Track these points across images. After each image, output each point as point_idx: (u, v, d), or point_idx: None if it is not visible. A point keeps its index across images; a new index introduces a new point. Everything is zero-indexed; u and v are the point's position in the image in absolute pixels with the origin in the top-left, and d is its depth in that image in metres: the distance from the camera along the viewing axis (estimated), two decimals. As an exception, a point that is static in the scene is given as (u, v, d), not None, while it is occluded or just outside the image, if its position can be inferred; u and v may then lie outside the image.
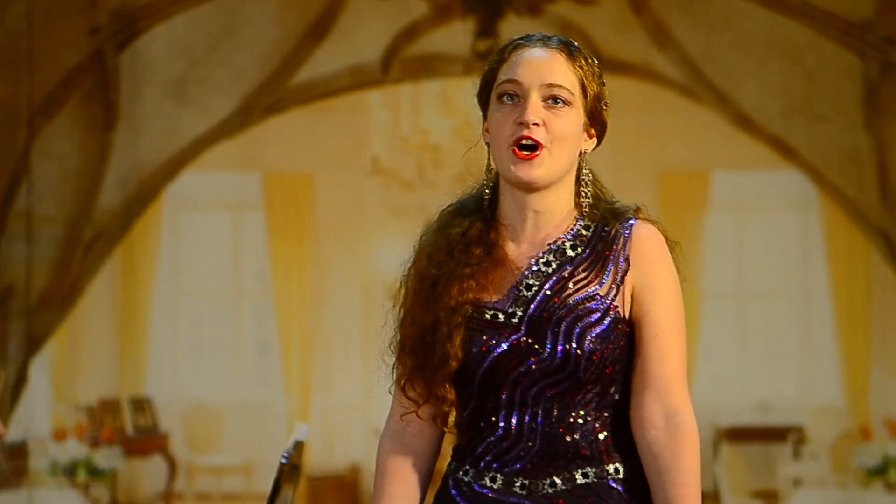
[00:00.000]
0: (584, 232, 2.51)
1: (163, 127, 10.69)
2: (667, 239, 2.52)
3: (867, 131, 10.40)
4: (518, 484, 2.46)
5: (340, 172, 13.07)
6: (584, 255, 2.49)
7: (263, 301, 13.65)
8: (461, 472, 2.51)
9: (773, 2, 10.29)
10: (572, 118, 2.49)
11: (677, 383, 2.45)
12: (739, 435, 12.55)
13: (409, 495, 2.54)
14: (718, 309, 13.33)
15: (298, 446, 2.87)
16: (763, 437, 12.66)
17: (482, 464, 2.48)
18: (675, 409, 2.43)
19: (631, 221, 2.51)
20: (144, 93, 10.56)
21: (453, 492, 2.51)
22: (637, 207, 2.55)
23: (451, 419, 2.53)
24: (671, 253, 2.51)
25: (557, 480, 2.45)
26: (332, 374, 13.18)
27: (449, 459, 2.57)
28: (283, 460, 2.80)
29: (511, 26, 10.16)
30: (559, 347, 2.42)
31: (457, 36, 10.31)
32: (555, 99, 2.48)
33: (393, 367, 2.56)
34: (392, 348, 2.56)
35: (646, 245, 2.48)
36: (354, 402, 13.05)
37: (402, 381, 2.53)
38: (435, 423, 2.53)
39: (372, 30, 10.76)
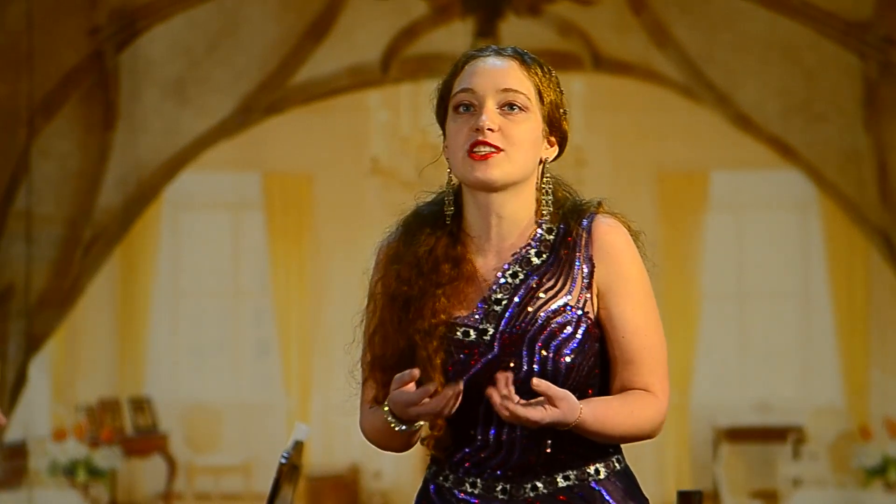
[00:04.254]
0: (547, 236, 2.50)
1: (162, 127, 10.68)
2: (630, 229, 2.51)
3: (867, 131, 10.39)
4: (499, 488, 2.46)
5: (340, 172, 13.06)
6: (549, 262, 2.48)
7: (263, 301, 13.65)
8: (441, 478, 2.52)
9: (773, 2, 10.28)
10: (530, 124, 2.47)
11: (655, 373, 2.47)
12: (739, 435, 12.54)
13: None
14: (718, 309, 13.32)
15: (298, 446, 2.87)
16: (763, 437, 12.65)
17: (461, 471, 2.49)
18: (653, 390, 2.48)
19: (589, 218, 2.49)
20: (144, 93, 10.55)
21: (434, 497, 2.52)
22: (599, 202, 2.53)
23: (422, 433, 2.52)
24: (636, 242, 2.50)
25: (539, 484, 2.46)
26: (331, 373, 13.17)
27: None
28: (283, 460, 2.80)
29: (511, 26, 10.15)
30: (535, 367, 2.42)
31: (456, 36, 10.29)
32: (511, 105, 2.46)
33: (363, 383, 2.59)
34: (362, 365, 2.57)
35: (607, 241, 2.47)
36: (354, 402, 13.01)
37: (380, 398, 2.53)
38: (424, 446, 2.53)
39: (372, 30, 10.76)
